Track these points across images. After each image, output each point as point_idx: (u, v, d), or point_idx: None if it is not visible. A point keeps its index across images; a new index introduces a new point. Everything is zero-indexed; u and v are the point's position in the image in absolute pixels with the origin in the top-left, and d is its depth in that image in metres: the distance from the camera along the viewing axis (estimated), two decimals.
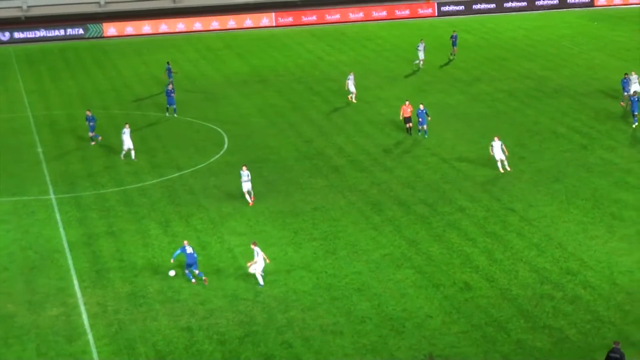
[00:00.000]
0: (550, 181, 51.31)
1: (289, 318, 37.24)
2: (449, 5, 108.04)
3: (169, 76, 74.28)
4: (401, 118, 60.70)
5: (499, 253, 42.33)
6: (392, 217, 47.08)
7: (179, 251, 40.83)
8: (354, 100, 69.05)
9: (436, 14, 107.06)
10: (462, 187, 51.01)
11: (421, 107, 59.49)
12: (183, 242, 41.52)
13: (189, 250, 40.64)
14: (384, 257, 42.45)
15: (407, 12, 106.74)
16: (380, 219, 46.93)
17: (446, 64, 79.53)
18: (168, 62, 76.88)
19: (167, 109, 66.49)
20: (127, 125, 57.38)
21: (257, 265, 39.96)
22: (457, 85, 73.36)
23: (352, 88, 69.20)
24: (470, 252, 42.53)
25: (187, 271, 40.77)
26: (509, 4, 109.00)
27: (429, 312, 37.41)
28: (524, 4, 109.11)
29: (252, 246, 40.19)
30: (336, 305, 38.11)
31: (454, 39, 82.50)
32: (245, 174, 48.96)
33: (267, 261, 40.36)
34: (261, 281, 40.15)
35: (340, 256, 42.64)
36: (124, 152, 56.90)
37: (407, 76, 77.38)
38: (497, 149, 52.85)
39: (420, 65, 79.42)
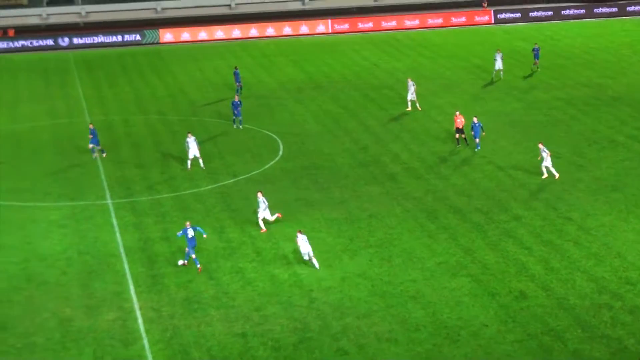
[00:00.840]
0: (608, 190, 50.73)
1: (343, 325, 37.13)
2: (506, 13, 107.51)
3: (237, 80, 74.68)
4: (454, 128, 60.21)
5: (556, 262, 41.91)
6: (448, 225, 46.83)
7: (181, 232, 42.28)
8: (418, 108, 68.71)
9: (492, 21, 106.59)
10: (518, 195, 50.60)
11: (475, 120, 58.40)
12: (185, 223, 42.65)
13: (190, 234, 41.87)
14: (439, 265, 42.21)
15: (463, 19, 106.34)
16: (436, 226, 46.69)
17: (529, 75, 78.15)
18: (236, 67, 77.23)
19: (234, 120, 65.08)
20: (189, 134, 56.64)
21: (306, 250, 41.94)
22: (513, 93, 72.86)
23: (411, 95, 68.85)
24: (526, 261, 42.16)
25: (192, 256, 42.15)
26: (567, 12, 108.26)
27: (484, 321, 37.12)
28: (582, 11, 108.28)
29: (298, 234, 42.10)
30: (391, 313, 37.95)
31: (535, 52, 79.82)
32: (261, 200, 46.48)
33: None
34: (316, 264, 41.89)
35: (395, 264, 42.47)
36: (189, 160, 56.37)
37: (462, 83, 77.02)
38: (546, 154, 53.01)
39: (501, 75, 77.90)
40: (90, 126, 59.19)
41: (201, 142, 61.13)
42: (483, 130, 58.54)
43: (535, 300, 38.58)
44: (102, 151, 59.32)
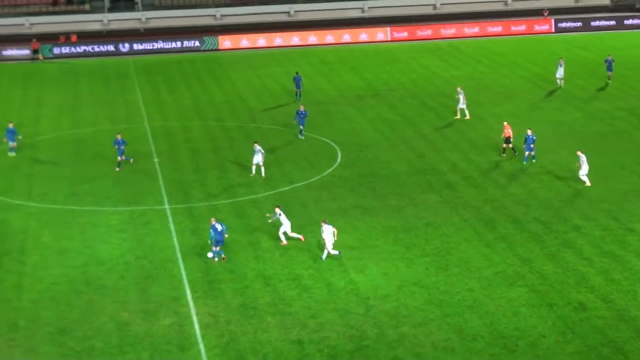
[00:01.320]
0: None
1: (400, 333, 36.94)
2: (567, 22, 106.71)
3: (297, 86, 75.25)
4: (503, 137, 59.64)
5: (617, 273, 41.38)
6: (505, 234, 46.46)
7: (212, 233, 43.37)
8: (467, 116, 68.50)
9: (553, 30, 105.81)
10: (578, 205, 50.08)
11: (529, 132, 57.21)
12: (211, 220, 43.95)
13: (219, 227, 43.41)
14: (496, 274, 41.87)
15: (523, 28, 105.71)
16: (493, 236, 46.34)
17: (602, 88, 77.03)
18: (297, 72, 77.73)
19: (301, 130, 64.31)
20: (255, 144, 56.50)
21: (328, 242, 43.31)
22: (574, 103, 72.21)
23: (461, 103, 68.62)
24: (585, 272, 41.68)
25: (214, 249, 43.60)
26: (630, 21, 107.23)
27: (542, 332, 36.73)
28: None
29: (323, 224, 43.60)
30: (448, 322, 37.70)
31: (608, 64, 78.42)
32: (277, 213, 45.98)
33: (336, 238, 43.70)
34: (323, 256, 43.74)
35: (452, 273, 42.21)
36: (253, 166, 56.52)
37: (522, 92, 76.49)
38: (584, 162, 52.98)
39: (561, 84, 77.51)
40: (118, 137, 58.60)
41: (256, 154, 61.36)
42: (534, 144, 56.85)
43: (595, 311, 38.11)
44: (127, 159, 58.70)
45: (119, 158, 58.14)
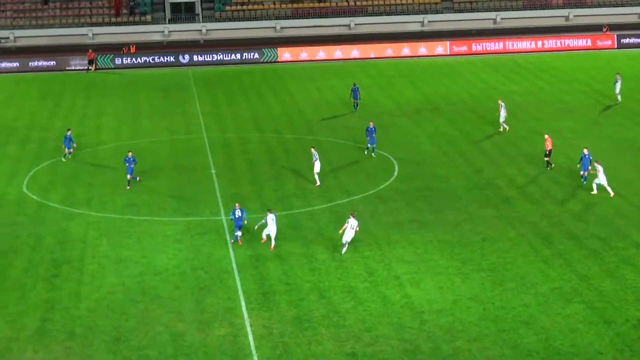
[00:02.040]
0: None
1: (454, 348, 36.74)
2: (630, 38, 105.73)
3: (355, 97, 75.89)
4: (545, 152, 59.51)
5: None
6: (563, 250, 46.05)
7: (231, 216, 47.84)
8: (505, 129, 68.62)
9: (615, 46, 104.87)
10: (638, 222, 49.50)
11: (585, 151, 55.58)
12: (235, 205, 47.63)
13: (238, 213, 46.92)
14: (553, 290, 41.50)
15: (584, 43, 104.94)
16: (550, 252, 45.95)
17: None
18: (355, 84, 78.22)
19: (368, 148, 63.52)
20: (312, 148, 58.41)
21: (347, 235, 45.81)
22: (636, 119, 71.48)
23: (502, 116, 68.68)
24: None
25: (236, 233, 47.05)
26: None
27: (599, 349, 36.32)
28: None
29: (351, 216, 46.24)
30: (503, 338, 37.42)
31: None
32: (270, 217, 46.65)
33: (357, 229, 46.20)
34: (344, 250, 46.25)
35: (508, 288, 41.91)
36: (316, 175, 57.48)
37: (582, 108, 75.87)
38: (600, 172, 53.51)
39: (619, 99, 77.14)
40: (129, 154, 57.76)
41: (314, 160, 61.46)
42: (591, 164, 55.04)
43: None
44: (134, 178, 57.92)
45: (128, 177, 57.43)
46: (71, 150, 63.97)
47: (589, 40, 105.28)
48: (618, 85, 77.24)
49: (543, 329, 37.97)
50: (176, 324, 39.31)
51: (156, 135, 70.73)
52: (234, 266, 45.03)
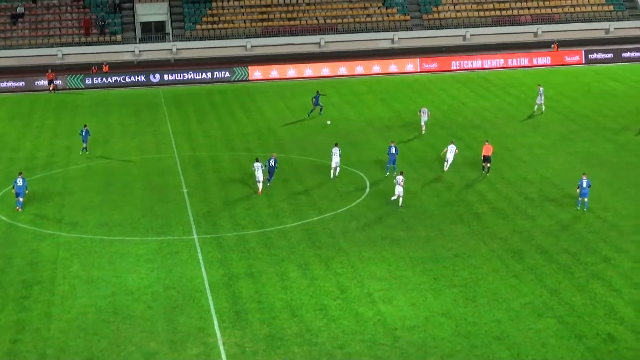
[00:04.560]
0: None
1: None
2: (597, 53, 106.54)
3: (315, 103, 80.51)
4: (481, 157, 62.06)
5: None
6: (534, 265, 46.29)
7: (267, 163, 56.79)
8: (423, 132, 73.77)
9: (583, 62, 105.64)
10: (608, 237, 49.85)
11: (584, 177, 54.11)
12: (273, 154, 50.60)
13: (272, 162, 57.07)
14: (524, 305, 41.70)
15: (551, 60, 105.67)
16: (522, 267, 46.18)
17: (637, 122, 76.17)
18: (318, 91, 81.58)
19: (394, 168, 63.04)
20: (336, 145, 62.15)
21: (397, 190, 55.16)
22: (604, 134, 71.99)
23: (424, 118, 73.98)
24: (615, 303, 41.44)
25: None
26: None
27: None
28: None
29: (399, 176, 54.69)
30: (475, 353, 37.55)
31: None
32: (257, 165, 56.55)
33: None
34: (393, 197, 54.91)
35: (480, 304, 42.06)
36: (332, 169, 60.72)
37: (551, 123, 76.33)
38: (451, 154, 62.04)
39: (542, 110, 79.88)
40: (19, 178, 56.94)
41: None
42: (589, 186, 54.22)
43: (625, 343, 37.86)
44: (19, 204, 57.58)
45: (20, 199, 56.80)
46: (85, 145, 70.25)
47: (557, 56, 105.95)
48: (541, 97, 79.57)
49: (515, 344, 38.14)
50: (148, 343, 39.19)
51: (127, 154, 70.57)
52: (207, 285, 44.97)
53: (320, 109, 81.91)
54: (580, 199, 54.42)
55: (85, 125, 72.08)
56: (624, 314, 40.34)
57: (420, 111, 75.95)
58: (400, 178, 55.37)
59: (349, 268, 46.52)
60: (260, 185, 59.37)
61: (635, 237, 49.51)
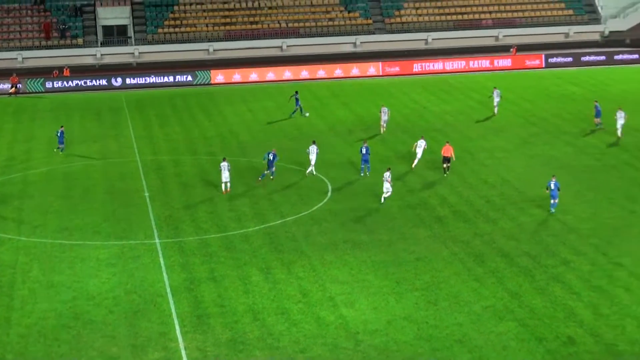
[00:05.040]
0: None
1: None
2: (557, 57, 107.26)
3: (296, 104, 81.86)
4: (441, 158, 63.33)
5: (605, 308, 41.43)
6: (495, 268, 46.53)
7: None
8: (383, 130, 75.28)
9: (544, 66, 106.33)
10: (567, 240, 50.21)
11: (554, 179, 54.75)
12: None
13: (270, 157, 60.27)
14: (485, 309, 41.90)
15: (514, 63, 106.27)
16: (483, 270, 46.41)
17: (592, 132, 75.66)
18: (296, 91, 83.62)
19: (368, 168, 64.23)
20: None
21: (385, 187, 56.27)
22: (564, 138, 72.51)
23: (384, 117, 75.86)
24: (574, 306, 41.73)
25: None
26: (620, 57, 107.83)
27: None
28: (636, 56, 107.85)
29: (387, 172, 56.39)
30: (437, 356, 37.68)
31: (597, 110, 75.19)
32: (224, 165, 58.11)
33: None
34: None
35: (441, 307, 42.23)
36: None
37: (512, 127, 76.77)
38: (420, 148, 64.13)
39: (495, 112, 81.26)
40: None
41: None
42: (559, 190, 54.81)
43: (584, 346, 38.14)
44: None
45: None
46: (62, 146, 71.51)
47: (518, 60, 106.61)
48: (496, 99, 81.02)
49: (476, 347, 38.31)
50: (110, 348, 39.01)
51: (89, 158, 70.22)
52: (168, 289, 44.84)
53: (295, 110, 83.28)
54: (552, 201, 54.76)
55: (61, 127, 73.36)
56: (583, 317, 40.64)
57: (380, 110, 77.19)
58: (387, 174, 56.94)
59: (311, 272, 46.56)
60: (225, 186, 59.84)
61: (593, 240, 49.90)
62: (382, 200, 57.02)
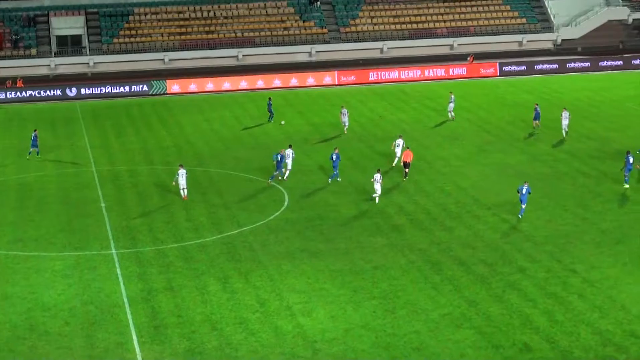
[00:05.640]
0: (613, 242, 50.72)
1: None
2: (511, 65, 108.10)
3: (269, 109, 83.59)
4: (401, 163, 64.98)
5: (560, 314, 41.79)
6: (452, 276, 46.78)
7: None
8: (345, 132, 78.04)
9: (498, 74, 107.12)
10: (522, 247, 50.58)
11: (525, 184, 55.40)
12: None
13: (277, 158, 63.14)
14: (443, 316, 42.10)
15: (468, 72, 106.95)
16: (440, 278, 46.63)
17: (531, 134, 77.31)
18: (270, 98, 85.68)
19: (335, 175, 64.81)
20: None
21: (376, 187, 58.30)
22: (518, 145, 73.07)
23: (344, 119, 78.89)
24: (530, 313, 42.05)
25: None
26: (572, 65, 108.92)
27: None
28: (588, 64, 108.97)
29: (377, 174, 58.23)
30: None
31: (536, 112, 78.14)
32: (181, 172, 58.66)
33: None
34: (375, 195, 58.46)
35: (399, 315, 42.38)
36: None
37: (467, 135, 77.23)
38: (399, 147, 66.52)
39: (450, 116, 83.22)
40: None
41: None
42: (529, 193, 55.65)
43: (540, 352, 38.43)
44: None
45: None
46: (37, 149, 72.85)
47: (473, 68, 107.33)
48: (451, 105, 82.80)
49: (434, 355, 38.48)
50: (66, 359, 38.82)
51: (43, 169, 69.80)
52: (125, 300, 44.65)
53: (271, 116, 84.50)
54: (523, 206, 55.43)
55: (35, 130, 74.52)
56: (539, 324, 40.95)
57: (340, 112, 79.38)
58: (377, 176, 58.62)
59: (268, 281, 46.56)
60: (184, 192, 60.21)
61: (548, 247, 50.32)
62: (377, 200, 58.92)
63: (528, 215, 55.62)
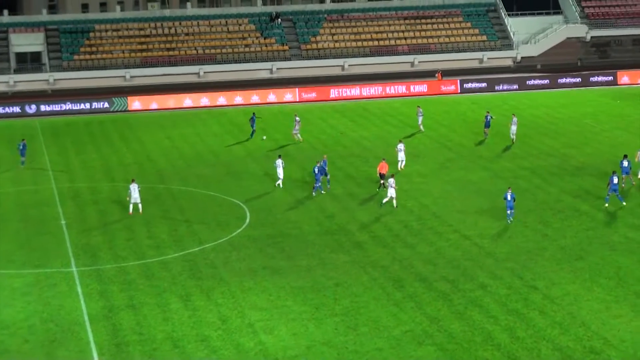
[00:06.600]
0: (573, 259, 51.04)
1: None
2: (472, 83, 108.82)
3: (252, 125, 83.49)
4: (377, 174, 66.06)
5: (521, 331, 41.98)
6: (414, 293, 46.87)
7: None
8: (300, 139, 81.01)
9: (459, 91, 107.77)
10: (484, 264, 50.80)
11: (509, 191, 57.25)
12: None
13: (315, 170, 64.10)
14: (405, 333, 42.16)
15: (429, 89, 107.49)
16: (402, 295, 46.71)
17: (480, 142, 79.95)
18: (254, 113, 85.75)
19: (319, 187, 65.47)
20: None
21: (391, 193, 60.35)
22: (479, 162, 73.45)
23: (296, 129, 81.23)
24: (491, 330, 42.20)
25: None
26: (532, 82, 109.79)
27: None
28: (546, 81, 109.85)
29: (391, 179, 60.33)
30: None
31: (487, 120, 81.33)
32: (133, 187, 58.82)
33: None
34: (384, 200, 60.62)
35: (361, 332, 42.39)
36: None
37: (429, 152, 77.56)
38: (402, 152, 70.14)
39: (421, 129, 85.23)
40: None
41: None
42: (514, 200, 57.40)
43: None
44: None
45: None
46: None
47: (433, 85, 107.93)
48: (420, 118, 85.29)
49: None
50: None
51: (2, 186, 69.28)
52: (86, 318, 44.37)
53: (253, 132, 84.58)
54: (509, 211, 57.25)
55: (23, 140, 75.95)
56: (501, 340, 41.11)
57: (294, 120, 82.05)
58: (391, 180, 60.62)
59: (230, 298, 46.44)
60: (135, 207, 60.49)
61: (509, 264, 50.55)
62: (395, 204, 60.91)
63: (489, 231, 55.90)
